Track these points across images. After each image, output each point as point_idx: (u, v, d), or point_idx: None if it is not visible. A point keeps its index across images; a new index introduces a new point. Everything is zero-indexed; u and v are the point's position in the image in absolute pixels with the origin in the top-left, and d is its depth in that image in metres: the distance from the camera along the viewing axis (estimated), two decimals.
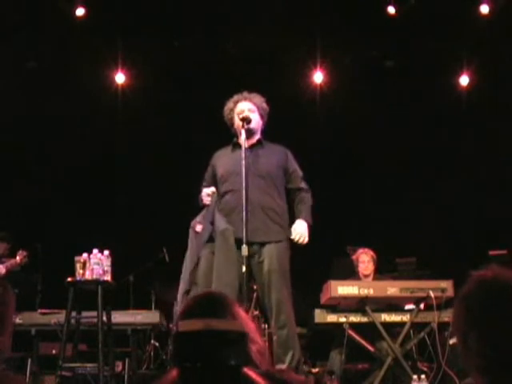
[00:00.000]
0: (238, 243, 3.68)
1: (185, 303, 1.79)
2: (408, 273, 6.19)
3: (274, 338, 3.81)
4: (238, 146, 3.97)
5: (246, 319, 1.72)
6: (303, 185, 4.09)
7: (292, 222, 4.00)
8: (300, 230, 3.89)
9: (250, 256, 3.73)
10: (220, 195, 3.93)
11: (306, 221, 3.95)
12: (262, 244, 3.82)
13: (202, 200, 3.97)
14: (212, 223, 3.81)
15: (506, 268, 1.56)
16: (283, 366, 3.67)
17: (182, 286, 3.78)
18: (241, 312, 1.72)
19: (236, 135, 4.07)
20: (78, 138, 7.50)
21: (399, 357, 4.63)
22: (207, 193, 3.91)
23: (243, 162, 3.72)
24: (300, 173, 4.12)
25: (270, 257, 3.78)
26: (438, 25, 7.11)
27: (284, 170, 4.05)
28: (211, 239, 3.81)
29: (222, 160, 4.08)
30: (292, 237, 3.86)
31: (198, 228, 3.89)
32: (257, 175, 3.88)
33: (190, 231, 3.92)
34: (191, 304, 1.74)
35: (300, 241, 3.86)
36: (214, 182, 4.06)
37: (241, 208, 3.70)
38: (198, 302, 1.74)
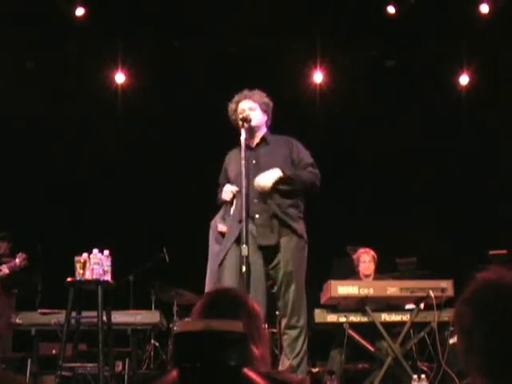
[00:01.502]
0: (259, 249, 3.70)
1: (203, 299, 1.78)
2: (408, 273, 6.19)
3: (284, 337, 3.82)
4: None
5: (258, 323, 1.71)
6: (309, 169, 3.92)
7: (306, 220, 3.96)
8: (262, 177, 3.74)
9: (265, 260, 3.76)
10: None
11: (284, 172, 3.76)
12: (276, 246, 3.80)
13: (221, 192, 3.93)
14: (240, 221, 3.74)
15: (507, 268, 1.57)
16: (287, 363, 3.69)
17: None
18: (255, 313, 1.70)
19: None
20: (78, 138, 7.51)
21: (399, 356, 4.63)
22: (231, 190, 3.85)
23: (243, 162, 3.69)
24: (309, 160, 3.96)
25: (286, 258, 3.77)
26: (437, 25, 7.12)
27: (291, 162, 3.93)
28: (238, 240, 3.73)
29: (232, 164, 4.04)
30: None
31: (220, 227, 3.88)
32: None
33: (211, 232, 3.92)
34: (208, 299, 1.73)
35: (259, 188, 3.75)
36: None
37: (252, 212, 3.70)
38: (215, 298, 1.73)
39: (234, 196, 3.84)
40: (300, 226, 3.87)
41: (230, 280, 3.68)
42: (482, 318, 1.50)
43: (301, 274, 3.83)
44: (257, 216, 3.75)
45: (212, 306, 1.68)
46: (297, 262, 3.81)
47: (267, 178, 3.75)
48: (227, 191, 3.87)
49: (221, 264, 3.78)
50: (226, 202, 3.89)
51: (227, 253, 3.76)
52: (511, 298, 1.49)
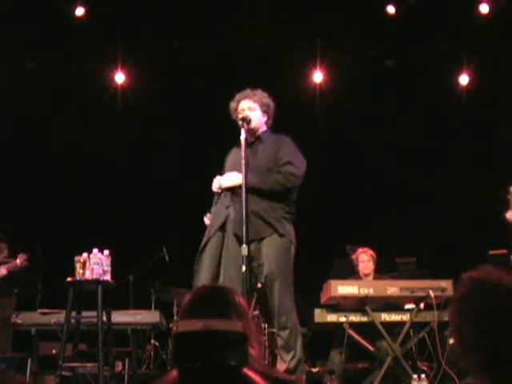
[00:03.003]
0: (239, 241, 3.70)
1: (188, 297, 1.74)
2: (408, 273, 6.19)
3: (278, 338, 3.80)
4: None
5: (249, 320, 1.69)
6: (283, 168, 3.83)
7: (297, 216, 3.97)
8: (223, 177, 3.88)
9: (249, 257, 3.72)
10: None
11: (247, 178, 3.66)
12: (258, 245, 3.76)
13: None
14: (227, 208, 3.80)
15: (502, 268, 1.57)
16: (284, 366, 3.68)
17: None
18: (244, 310, 1.68)
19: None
20: (78, 138, 7.51)
21: (399, 356, 4.63)
22: (218, 181, 3.90)
23: (243, 162, 3.69)
24: (287, 158, 3.85)
25: (268, 258, 3.74)
26: (437, 25, 7.12)
27: (274, 161, 3.89)
28: (222, 227, 3.79)
29: (230, 160, 4.07)
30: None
31: (206, 221, 3.92)
32: (251, 174, 3.82)
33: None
34: (194, 299, 1.70)
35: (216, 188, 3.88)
36: None
37: (234, 202, 3.76)
38: (201, 298, 1.70)
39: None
40: (283, 226, 3.81)
41: (207, 269, 3.71)
42: (468, 317, 1.51)
43: (286, 274, 3.76)
44: (237, 206, 3.74)
45: (200, 304, 1.66)
46: (280, 261, 3.75)
47: (225, 180, 3.85)
48: (215, 181, 3.91)
49: (202, 250, 3.79)
50: (214, 193, 3.92)
51: (210, 239, 3.79)
52: (496, 297, 1.50)
